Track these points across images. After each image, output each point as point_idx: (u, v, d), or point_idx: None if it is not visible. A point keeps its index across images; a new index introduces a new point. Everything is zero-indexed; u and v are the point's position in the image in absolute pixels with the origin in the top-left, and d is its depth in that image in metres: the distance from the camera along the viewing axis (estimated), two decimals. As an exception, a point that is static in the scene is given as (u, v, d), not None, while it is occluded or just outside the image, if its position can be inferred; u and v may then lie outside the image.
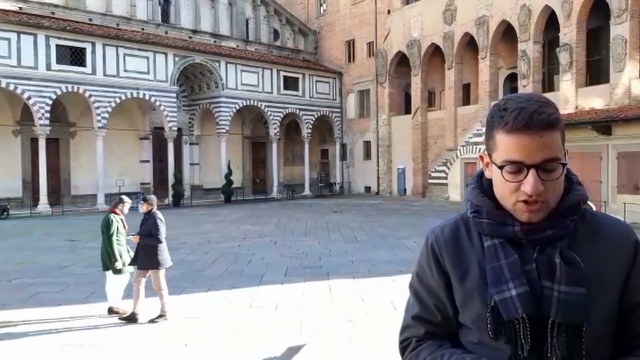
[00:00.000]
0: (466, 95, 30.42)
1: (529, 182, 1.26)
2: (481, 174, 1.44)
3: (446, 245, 1.42)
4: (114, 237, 7.78)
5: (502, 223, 1.34)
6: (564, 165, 1.30)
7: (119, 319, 7.49)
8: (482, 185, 1.43)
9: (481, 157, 1.40)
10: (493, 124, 1.32)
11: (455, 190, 29.03)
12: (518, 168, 1.27)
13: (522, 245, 1.34)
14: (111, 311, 7.74)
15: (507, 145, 1.28)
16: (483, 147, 1.44)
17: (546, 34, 24.72)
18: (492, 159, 1.34)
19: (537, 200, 1.27)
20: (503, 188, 1.32)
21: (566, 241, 1.33)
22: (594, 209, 1.62)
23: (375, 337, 6.46)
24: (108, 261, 7.78)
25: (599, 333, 1.31)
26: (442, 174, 30.28)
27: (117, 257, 7.75)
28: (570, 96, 22.72)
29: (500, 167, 1.30)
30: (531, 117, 1.25)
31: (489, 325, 1.31)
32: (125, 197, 8.46)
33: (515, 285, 1.29)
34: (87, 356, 6.05)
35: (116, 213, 8.09)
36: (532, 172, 1.26)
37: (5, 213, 22.63)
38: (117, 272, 7.78)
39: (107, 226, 7.81)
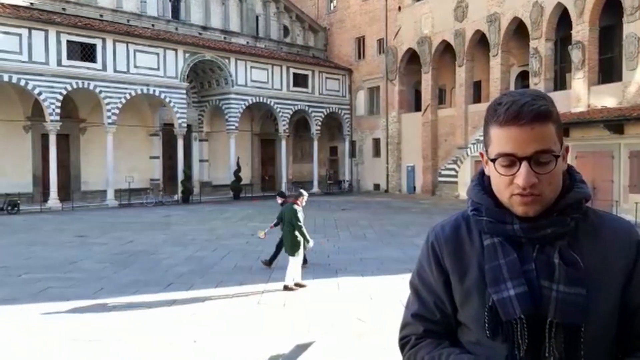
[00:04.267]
0: (477, 92, 30.24)
1: (521, 175, 1.25)
2: (483, 172, 1.43)
3: (446, 244, 1.42)
4: (303, 224, 8.94)
5: (501, 221, 1.34)
6: (557, 157, 1.28)
7: (284, 289, 8.85)
8: (483, 183, 1.42)
9: (482, 155, 1.40)
10: (488, 120, 1.33)
11: (465, 189, 28.83)
12: (510, 161, 1.27)
13: (521, 244, 1.33)
14: (286, 288, 8.88)
15: (499, 137, 1.28)
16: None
17: (558, 31, 24.51)
18: (487, 154, 1.34)
19: (531, 193, 1.27)
20: (498, 182, 1.32)
21: (566, 240, 1.32)
22: None
23: (383, 335, 6.41)
24: (290, 246, 8.95)
25: (598, 334, 1.30)
26: (452, 172, 30.13)
27: (309, 238, 9.02)
28: (582, 94, 22.51)
29: (493, 160, 1.30)
30: (521, 108, 1.25)
31: (486, 325, 1.31)
32: (303, 191, 9.67)
33: (513, 285, 1.29)
34: (95, 351, 6.05)
35: (297, 204, 9.16)
36: (524, 164, 1.25)
37: (16, 208, 22.78)
38: (294, 254, 8.93)
39: (295, 216, 8.90)
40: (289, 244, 9.04)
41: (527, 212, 1.29)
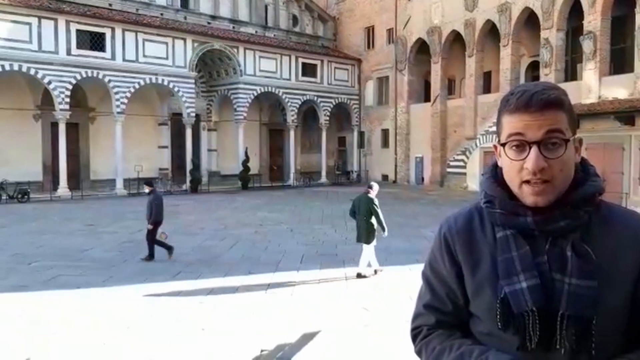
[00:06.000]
0: (487, 83, 30.05)
1: (531, 159, 1.26)
2: (496, 164, 1.43)
3: (458, 236, 1.42)
4: (381, 213, 9.32)
5: (514, 213, 1.33)
6: (567, 141, 1.28)
7: (357, 276, 9.22)
8: (496, 175, 1.42)
9: (495, 147, 1.40)
10: (501, 109, 1.35)
11: (474, 180, 28.79)
12: (520, 142, 1.28)
13: (534, 236, 1.33)
14: (359, 275, 9.24)
15: (510, 122, 1.31)
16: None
17: (570, 21, 24.27)
18: (499, 142, 1.35)
19: (541, 179, 1.26)
20: (509, 169, 1.33)
21: (579, 233, 1.32)
22: None
23: (389, 326, 6.43)
24: (366, 235, 9.24)
25: (608, 327, 1.30)
26: (461, 163, 30.03)
27: (385, 227, 9.35)
28: (593, 85, 22.32)
29: (504, 145, 1.32)
30: (532, 96, 1.28)
31: (498, 317, 1.32)
32: (374, 183, 9.97)
33: (525, 278, 1.30)
34: (104, 339, 6.12)
35: (371, 194, 9.52)
36: (533, 148, 1.26)
37: (26, 197, 22.96)
38: (370, 242, 9.27)
39: (375, 205, 9.30)
40: (364, 232, 9.28)
41: (537, 202, 1.28)
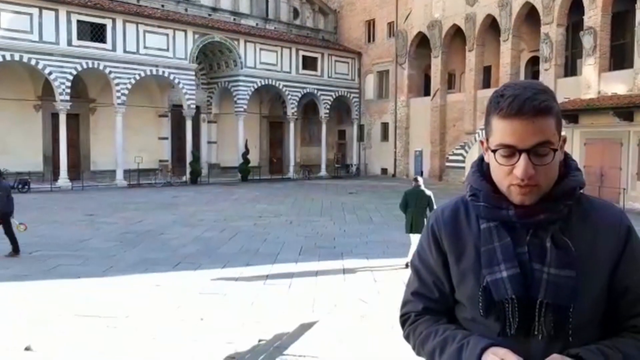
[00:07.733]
0: (487, 78, 30.04)
1: (520, 166, 1.30)
2: (483, 158, 1.49)
3: (445, 227, 1.49)
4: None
5: (497, 207, 1.39)
6: (555, 150, 1.33)
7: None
8: (482, 169, 1.48)
9: (481, 142, 1.45)
10: (490, 110, 1.36)
11: (473, 174, 28.79)
12: (510, 152, 1.32)
13: (516, 228, 1.39)
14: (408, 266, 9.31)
15: (500, 129, 1.33)
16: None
17: (570, 17, 24.23)
18: (488, 144, 1.39)
19: (529, 184, 1.32)
20: (497, 171, 1.37)
21: (558, 225, 1.37)
22: None
23: (386, 316, 6.52)
24: (420, 226, 9.33)
25: (585, 314, 1.36)
26: (460, 157, 30.06)
27: None
28: (593, 81, 22.33)
29: (494, 151, 1.35)
30: (524, 103, 1.29)
31: (480, 304, 1.39)
32: (419, 177, 10.45)
33: (506, 267, 1.36)
34: (104, 327, 6.21)
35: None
36: (523, 156, 1.30)
37: (27, 187, 23.02)
38: (420, 232, 9.38)
39: (428, 197, 9.71)
40: (418, 223, 9.56)
41: (524, 201, 1.35)
